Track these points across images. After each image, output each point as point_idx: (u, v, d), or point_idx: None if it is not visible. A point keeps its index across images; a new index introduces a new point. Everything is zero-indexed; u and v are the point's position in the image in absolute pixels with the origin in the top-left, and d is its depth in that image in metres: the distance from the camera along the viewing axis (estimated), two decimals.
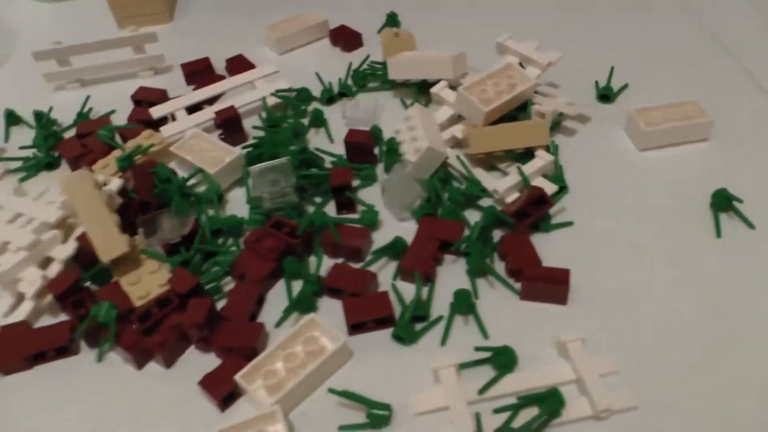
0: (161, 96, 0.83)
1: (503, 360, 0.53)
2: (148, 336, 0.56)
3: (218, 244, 0.64)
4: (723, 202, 0.62)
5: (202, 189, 0.68)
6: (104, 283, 0.61)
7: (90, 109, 0.84)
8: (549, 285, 0.56)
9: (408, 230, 0.63)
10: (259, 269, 0.60)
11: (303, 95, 0.79)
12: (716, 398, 0.50)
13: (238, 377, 0.52)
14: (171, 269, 0.61)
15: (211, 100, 0.81)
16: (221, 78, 0.84)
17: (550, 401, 0.49)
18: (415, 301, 0.56)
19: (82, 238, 0.62)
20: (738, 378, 0.51)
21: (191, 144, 0.72)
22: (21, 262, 0.61)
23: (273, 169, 0.66)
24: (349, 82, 0.83)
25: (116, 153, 0.72)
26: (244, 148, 0.72)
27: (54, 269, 0.61)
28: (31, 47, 0.88)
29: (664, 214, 0.64)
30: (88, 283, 0.61)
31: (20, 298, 0.61)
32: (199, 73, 0.86)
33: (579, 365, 0.52)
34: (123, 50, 0.88)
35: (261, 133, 0.74)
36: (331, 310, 0.58)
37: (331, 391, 0.51)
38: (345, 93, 0.81)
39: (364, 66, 0.85)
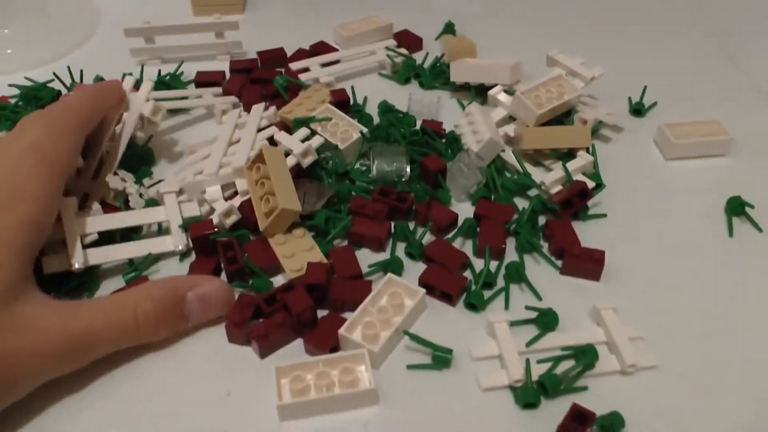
0: (221, 77, 0.92)
1: (547, 320, 0.62)
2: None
3: (342, 214, 0.71)
4: (736, 207, 0.72)
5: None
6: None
7: (182, 72, 0.94)
8: (587, 262, 0.66)
9: (464, 210, 0.73)
10: (378, 230, 0.68)
11: (409, 62, 0.92)
12: (722, 366, 0.59)
13: (342, 330, 0.59)
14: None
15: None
16: (334, 49, 0.97)
17: (586, 355, 0.59)
18: (485, 271, 0.65)
19: (246, 205, 0.70)
20: (743, 351, 0.60)
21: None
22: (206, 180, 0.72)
23: (393, 151, 0.75)
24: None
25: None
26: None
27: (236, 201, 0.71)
28: (112, 26, 0.98)
29: (686, 214, 0.73)
30: None
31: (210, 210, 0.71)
32: (274, 60, 0.95)
33: (611, 329, 0.61)
34: (203, 34, 0.98)
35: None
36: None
37: (406, 333, 0.60)
38: (421, 80, 0.91)
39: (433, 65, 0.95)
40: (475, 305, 0.63)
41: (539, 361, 0.59)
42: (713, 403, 0.56)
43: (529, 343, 0.61)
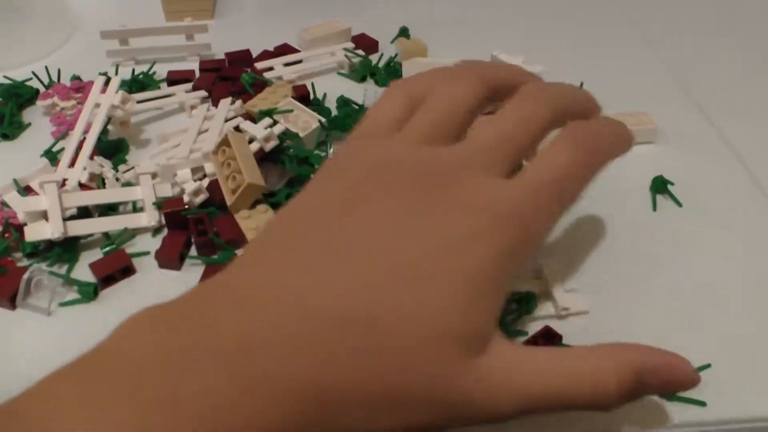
0: (192, 75, 0.99)
1: None
2: None
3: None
4: (659, 185, 0.80)
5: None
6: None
7: (154, 72, 1.01)
8: None
9: None
10: None
11: (366, 62, 1.00)
12: (643, 313, 0.67)
13: None
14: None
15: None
16: (297, 51, 1.05)
17: (527, 300, 0.66)
18: None
19: (213, 185, 0.76)
20: (663, 301, 0.68)
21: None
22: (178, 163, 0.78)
23: None
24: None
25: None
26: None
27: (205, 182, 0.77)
28: (90, 29, 1.05)
29: (615, 194, 0.80)
30: None
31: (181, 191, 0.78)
32: (241, 60, 1.02)
33: (548, 280, 0.69)
34: (174, 37, 1.05)
35: None
36: None
37: None
38: (376, 78, 0.99)
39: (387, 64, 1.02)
40: None
41: None
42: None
43: None
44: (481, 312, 0.44)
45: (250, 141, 0.79)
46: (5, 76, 0.99)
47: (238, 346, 0.39)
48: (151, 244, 0.75)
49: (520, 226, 0.46)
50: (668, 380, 0.48)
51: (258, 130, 0.80)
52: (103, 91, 0.87)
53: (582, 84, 0.97)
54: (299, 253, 0.44)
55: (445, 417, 0.43)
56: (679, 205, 0.80)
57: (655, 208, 0.79)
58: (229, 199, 0.74)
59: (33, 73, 0.99)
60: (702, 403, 0.59)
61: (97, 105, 0.85)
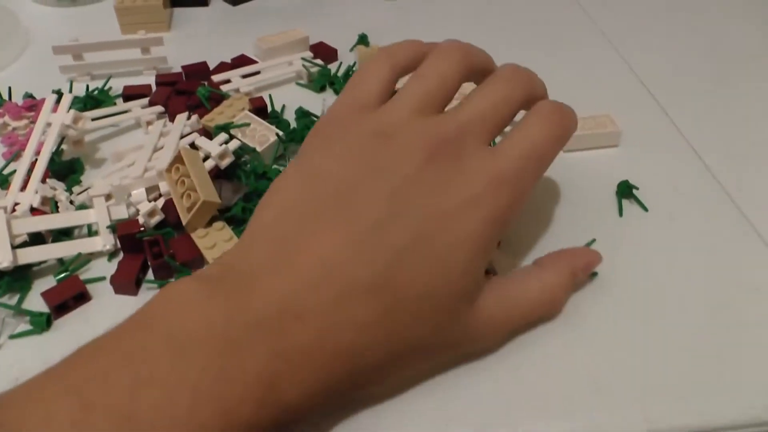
0: (148, 90, 0.97)
1: None
2: None
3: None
4: (625, 190, 0.79)
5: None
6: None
7: (110, 87, 0.98)
8: None
9: None
10: None
11: (324, 71, 0.98)
12: (610, 315, 0.66)
13: None
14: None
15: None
16: (254, 62, 1.03)
17: None
18: None
19: (168, 204, 0.74)
20: (629, 303, 0.67)
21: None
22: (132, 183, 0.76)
23: None
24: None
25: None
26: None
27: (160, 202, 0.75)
28: (42, 45, 1.03)
29: (580, 200, 0.80)
30: None
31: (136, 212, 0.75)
32: (198, 73, 1.00)
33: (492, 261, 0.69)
34: (129, 50, 1.02)
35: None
36: None
37: None
38: (336, 87, 0.97)
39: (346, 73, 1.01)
40: None
41: None
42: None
43: None
44: (477, 269, 0.51)
45: (205, 158, 0.77)
46: None
47: (278, 318, 0.43)
48: (107, 268, 0.72)
49: (514, 191, 0.53)
50: (589, 271, 0.66)
51: (213, 146, 0.78)
52: (55, 109, 0.84)
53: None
54: (321, 225, 0.48)
55: (451, 355, 0.55)
56: (645, 209, 0.79)
57: (621, 213, 0.78)
58: (184, 218, 0.72)
59: None
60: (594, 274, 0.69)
61: (49, 124, 0.83)
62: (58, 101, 0.85)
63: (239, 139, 0.81)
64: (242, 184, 0.77)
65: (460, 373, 0.59)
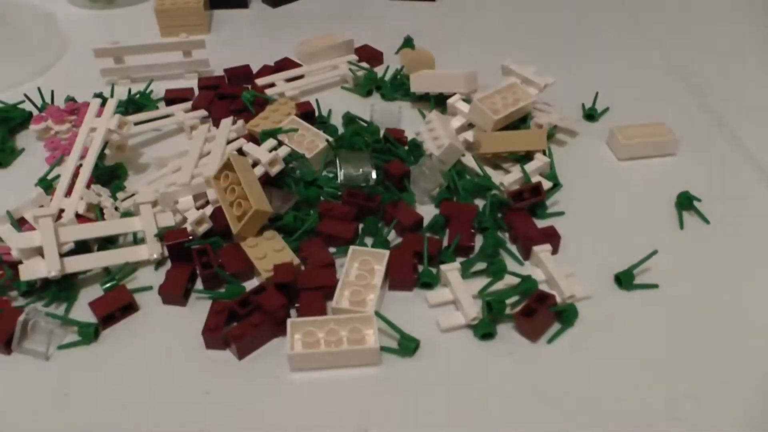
0: (190, 94, 0.95)
1: (496, 268, 0.68)
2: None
3: (309, 213, 0.75)
4: (685, 201, 0.77)
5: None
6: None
7: (151, 91, 0.96)
8: (543, 238, 0.71)
9: (427, 211, 0.76)
10: (345, 230, 0.72)
11: (370, 75, 0.96)
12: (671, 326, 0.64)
13: (334, 304, 0.65)
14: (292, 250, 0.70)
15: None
16: (298, 65, 1.01)
17: (526, 282, 0.66)
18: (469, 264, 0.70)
19: (217, 212, 0.72)
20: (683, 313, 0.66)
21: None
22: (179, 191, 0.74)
23: (358, 156, 0.79)
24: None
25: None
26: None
27: (208, 210, 0.73)
28: (81, 48, 1.02)
29: (639, 209, 0.78)
30: None
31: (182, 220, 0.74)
32: (240, 76, 0.98)
33: (548, 267, 0.68)
34: (170, 54, 1.01)
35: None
36: None
37: (377, 314, 0.63)
38: (382, 92, 0.95)
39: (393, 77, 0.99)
40: (429, 283, 0.68)
41: (483, 292, 0.67)
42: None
43: (482, 290, 0.67)
44: None
45: (254, 164, 0.75)
46: None
47: None
48: (154, 277, 0.71)
49: None
50: None
51: (262, 152, 0.76)
52: (99, 113, 0.82)
53: (597, 95, 0.93)
54: None
55: None
56: (707, 222, 0.76)
57: (682, 225, 0.75)
58: (234, 227, 0.70)
59: (25, 95, 0.95)
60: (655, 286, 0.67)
61: (93, 129, 0.81)
62: (102, 105, 0.84)
63: (287, 145, 0.79)
64: (292, 193, 0.75)
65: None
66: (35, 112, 0.94)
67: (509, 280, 0.68)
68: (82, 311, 0.67)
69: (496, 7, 1.20)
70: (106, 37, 1.04)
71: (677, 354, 0.62)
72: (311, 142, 0.81)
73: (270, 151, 0.76)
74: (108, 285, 0.69)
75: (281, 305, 0.62)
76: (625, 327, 0.65)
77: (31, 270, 0.67)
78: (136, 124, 0.86)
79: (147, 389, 0.61)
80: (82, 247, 0.71)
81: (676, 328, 0.65)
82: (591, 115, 0.92)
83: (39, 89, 0.96)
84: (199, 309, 0.67)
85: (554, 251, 0.71)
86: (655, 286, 0.68)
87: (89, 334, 0.64)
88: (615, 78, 1.00)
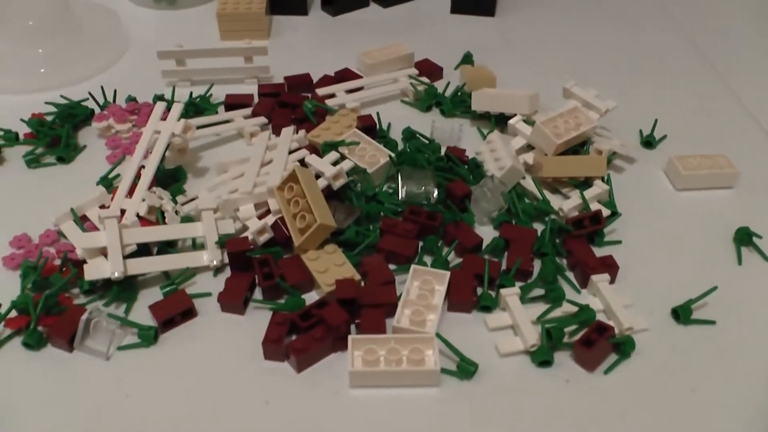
0: (250, 100, 0.96)
1: (556, 295, 0.68)
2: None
3: (370, 228, 0.75)
4: (744, 237, 0.76)
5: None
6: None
7: (211, 95, 0.98)
8: (602, 268, 0.71)
9: (485, 232, 0.76)
10: (406, 247, 0.72)
11: (431, 90, 0.96)
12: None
13: (395, 323, 0.65)
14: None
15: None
16: (359, 77, 1.01)
17: (585, 312, 0.66)
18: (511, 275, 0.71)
19: (277, 223, 0.73)
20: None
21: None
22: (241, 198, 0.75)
23: (421, 174, 0.79)
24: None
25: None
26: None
27: (269, 220, 0.74)
28: (141, 48, 1.05)
29: (696, 242, 0.77)
30: None
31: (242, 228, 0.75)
32: (300, 85, 0.99)
33: (606, 296, 0.68)
34: (231, 58, 1.02)
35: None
36: None
37: (438, 336, 0.63)
38: (443, 108, 0.95)
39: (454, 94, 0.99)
40: (488, 306, 0.68)
41: (540, 318, 0.67)
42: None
43: (541, 317, 0.67)
44: None
45: (317, 176, 0.76)
46: (62, 96, 0.96)
47: None
48: (213, 284, 0.71)
49: None
50: None
51: (325, 165, 0.76)
52: (164, 117, 0.83)
53: (656, 122, 0.92)
54: None
55: None
56: (767, 260, 0.75)
57: (740, 261, 0.75)
58: (296, 240, 0.70)
59: (89, 93, 0.96)
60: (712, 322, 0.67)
61: (158, 132, 0.82)
62: (167, 109, 0.85)
63: (349, 158, 0.80)
64: (355, 207, 0.75)
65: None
66: (97, 110, 0.95)
67: (567, 308, 0.68)
68: (141, 313, 0.68)
69: (555, 26, 1.19)
70: (167, 37, 1.05)
71: (733, 393, 0.62)
72: (372, 156, 0.81)
73: (333, 164, 0.77)
74: (168, 289, 0.70)
75: (344, 320, 0.63)
76: (680, 362, 0.64)
77: (96, 270, 0.68)
78: (197, 128, 0.87)
79: (207, 396, 0.61)
80: (143, 249, 0.72)
81: (732, 367, 0.64)
82: (649, 142, 0.91)
83: (102, 87, 0.97)
84: (256, 318, 0.68)
85: (612, 281, 0.71)
86: (713, 322, 0.68)
87: (149, 337, 0.65)
88: (673, 106, 0.99)
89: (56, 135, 0.88)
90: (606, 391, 0.62)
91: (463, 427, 0.59)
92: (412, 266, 0.69)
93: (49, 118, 0.92)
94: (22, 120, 0.91)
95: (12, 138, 0.89)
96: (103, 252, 0.70)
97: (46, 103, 0.94)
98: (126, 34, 1.14)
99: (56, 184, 0.84)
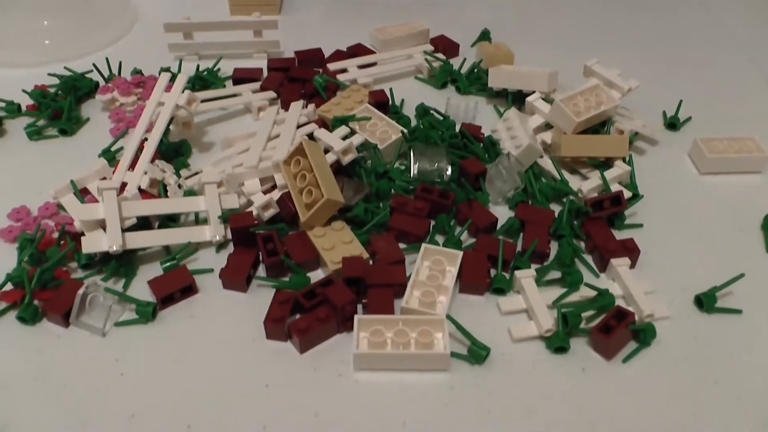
0: (259, 74, 0.93)
1: (573, 278, 0.65)
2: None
3: (380, 206, 0.72)
4: None
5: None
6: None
7: (219, 69, 0.95)
8: (622, 252, 0.68)
9: (500, 212, 0.73)
10: (418, 226, 0.69)
11: (446, 67, 0.93)
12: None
13: (404, 303, 0.62)
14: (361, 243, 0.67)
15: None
16: (371, 52, 0.98)
17: (603, 297, 0.63)
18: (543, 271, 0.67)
19: (283, 198, 0.70)
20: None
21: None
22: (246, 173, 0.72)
23: (433, 151, 0.76)
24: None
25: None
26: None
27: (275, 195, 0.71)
28: (150, 22, 1.02)
29: (721, 228, 0.73)
30: None
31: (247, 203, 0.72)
32: (311, 59, 0.96)
33: (626, 282, 0.65)
34: (240, 32, 0.99)
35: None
36: None
37: (449, 317, 0.61)
38: (458, 85, 0.92)
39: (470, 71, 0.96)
40: (502, 289, 0.65)
41: (556, 303, 0.64)
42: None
43: (557, 301, 0.64)
44: None
45: (325, 151, 0.73)
46: (66, 68, 0.94)
47: None
48: (215, 260, 0.69)
49: None
50: None
51: (335, 140, 0.73)
52: (168, 88, 0.80)
53: (680, 103, 0.89)
54: None
55: None
56: None
57: None
58: (302, 215, 0.67)
59: (94, 65, 0.93)
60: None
61: (161, 104, 0.79)
62: (171, 80, 0.82)
63: (359, 133, 0.76)
64: (364, 184, 0.72)
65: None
66: (102, 83, 0.92)
67: (585, 292, 0.65)
68: (140, 289, 0.65)
69: (576, 3, 1.15)
70: (175, 11, 1.02)
71: (760, 386, 0.58)
72: (384, 132, 0.78)
73: (343, 138, 0.74)
74: (168, 264, 0.67)
75: (350, 300, 0.60)
76: (704, 352, 0.61)
77: (93, 243, 0.65)
78: (202, 101, 0.84)
79: (205, 375, 0.59)
80: (144, 223, 0.70)
81: (759, 358, 0.61)
82: (673, 124, 0.87)
83: (107, 60, 0.95)
84: (259, 296, 0.65)
85: (632, 265, 0.68)
86: (739, 311, 0.64)
87: (147, 314, 0.63)
88: (698, 87, 0.96)
89: (58, 107, 0.85)
90: (624, 381, 0.59)
91: (473, 413, 0.56)
92: (423, 245, 0.66)
93: (53, 90, 0.89)
94: (24, 91, 0.88)
95: (14, 110, 0.87)
96: (102, 225, 0.67)
97: (49, 74, 0.92)
98: (135, 7, 1.12)
99: (58, 157, 0.82)
